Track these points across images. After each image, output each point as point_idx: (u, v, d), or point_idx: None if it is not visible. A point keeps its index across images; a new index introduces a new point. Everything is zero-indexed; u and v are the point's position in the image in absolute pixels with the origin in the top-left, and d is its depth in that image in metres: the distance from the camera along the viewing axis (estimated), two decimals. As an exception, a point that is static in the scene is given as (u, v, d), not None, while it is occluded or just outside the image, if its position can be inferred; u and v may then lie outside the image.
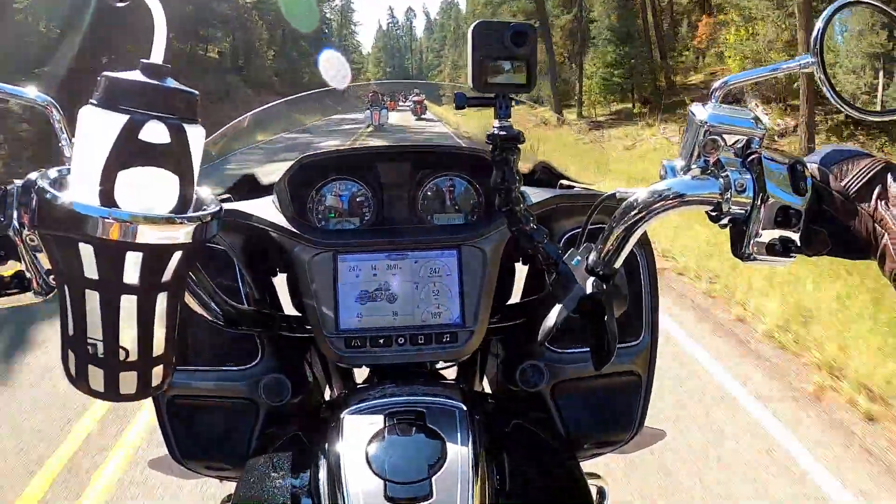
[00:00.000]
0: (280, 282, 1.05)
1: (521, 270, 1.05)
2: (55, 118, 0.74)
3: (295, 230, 0.89)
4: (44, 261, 0.63)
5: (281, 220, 0.90)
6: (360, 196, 0.97)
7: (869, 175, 0.62)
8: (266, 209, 0.93)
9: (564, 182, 1.09)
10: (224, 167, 1.21)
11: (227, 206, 0.93)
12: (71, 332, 0.54)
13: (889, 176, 0.61)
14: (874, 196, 0.61)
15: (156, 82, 0.50)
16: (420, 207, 0.98)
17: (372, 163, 0.98)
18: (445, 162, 0.99)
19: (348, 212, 0.97)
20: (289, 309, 1.02)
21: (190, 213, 0.52)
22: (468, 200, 0.99)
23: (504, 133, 0.76)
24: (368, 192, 0.97)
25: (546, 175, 1.12)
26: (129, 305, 0.52)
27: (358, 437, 0.72)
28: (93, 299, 0.52)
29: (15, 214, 0.61)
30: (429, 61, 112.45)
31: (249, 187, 1.06)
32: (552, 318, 0.74)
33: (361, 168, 0.97)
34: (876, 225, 0.60)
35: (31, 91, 0.73)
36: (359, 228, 0.97)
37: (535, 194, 0.95)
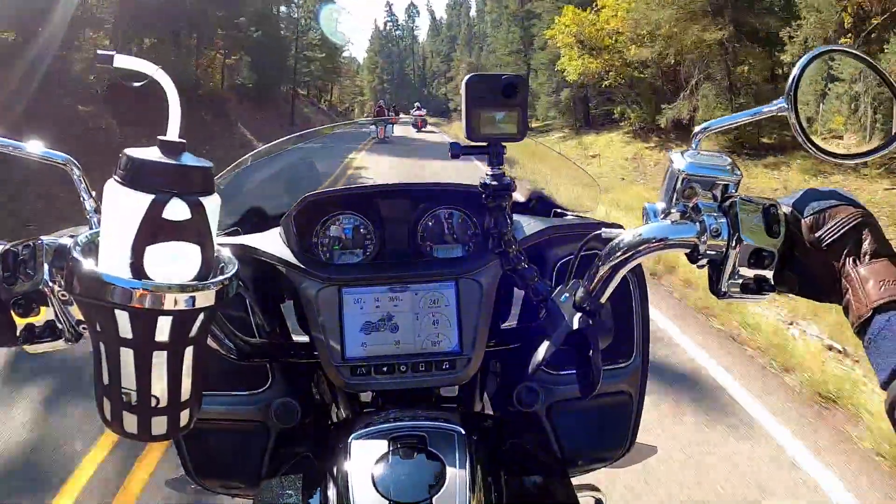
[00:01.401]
0: (288, 306, 1.09)
1: (519, 292, 1.10)
2: (75, 175, 0.78)
3: (302, 265, 0.93)
4: (73, 311, 0.68)
5: (288, 255, 0.95)
6: (362, 229, 1.02)
7: (843, 230, 0.64)
8: (273, 243, 0.97)
9: (558, 210, 1.14)
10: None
11: (235, 239, 0.98)
12: (106, 381, 0.59)
13: (864, 232, 0.63)
14: (844, 252, 0.63)
15: (174, 162, 0.55)
16: (420, 239, 1.03)
17: (373, 198, 1.02)
18: (443, 196, 1.03)
19: (352, 244, 1.02)
20: (296, 330, 1.07)
21: (213, 279, 0.57)
22: (465, 232, 1.04)
23: (496, 182, 0.81)
24: (371, 226, 1.02)
25: (541, 204, 1.17)
26: (159, 359, 0.57)
27: (364, 459, 0.77)
28: (127, 355, 0.57)
29: (46, 270, 0.66)
30: (434, 67, 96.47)
31: (257, 219, 1.11)
32: (541, 352, 0.79)
33: (364, 203, 1.02)
34: (843, 279, 0.62)
35: (43, 147, 0.77)
36: (362, 263, 1.02)
37: (529, 225, 1.00)
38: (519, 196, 1.17)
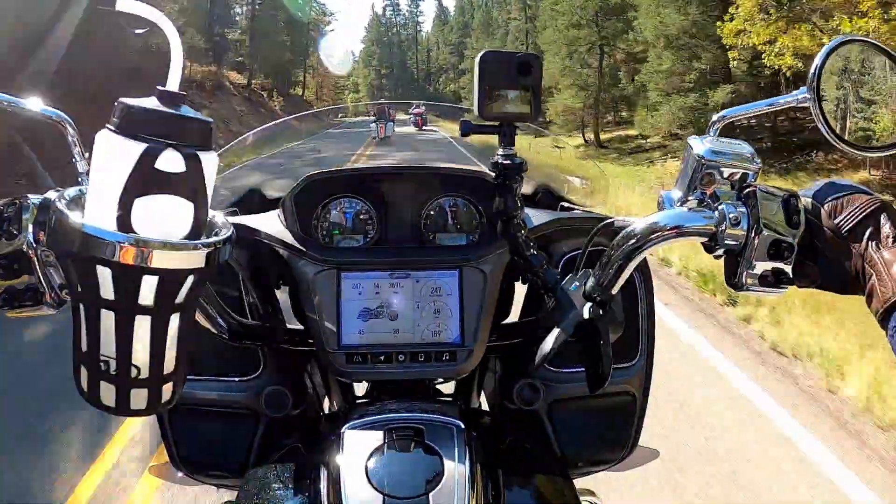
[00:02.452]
0: (283, 294, 1.06)
1: (521, 289, 1.07)
2: (69, 134, 0.76)
3: (300, 246, 0.91)
4: (56, 275, 0.65)
5: (286, 236, 0.92)
6: (364, 214, 0.99)
7: (862, 215, 0.63)
8: (272, 224, 0.94)
9: (565, 204, 1.11)
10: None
11: (233, 219, 0.95)
12: (84, 348, 0.55)
13: (882, 216, 0.62)
14: (865, 236, 0.62)
15: (172, 111, 0.52)
16: (423, 227, 1.00)
17: (377, 182, 0.99)
18: (449, 183, 1.01)
19: (352, 229, 0.99)
20: (290, 320, 1.04)
21: (204, 240, 0.54)
22: (470, 221, 1.01)
23: (508, 162, 0.78)
24: (373, 211, 0.99)
25: (547, 197, 1.14)
26: (142, 325, 0.54)
27: (358, 451, 0.73)
28: (108, 319, 0.53)
29: (30, 229, 0.63)
30: (441, 59, 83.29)
31: (255, 201, 1.08)
32: (549, 342, 0.75)
33: (366, 187, 0.99)
34: (865, 265, 0.62)
35: (42, 105, 0.75)
36: (363, 247, 0.99)
37: (536, 216, 0.97)
38: (526, 188, 1.14)
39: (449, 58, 79.73)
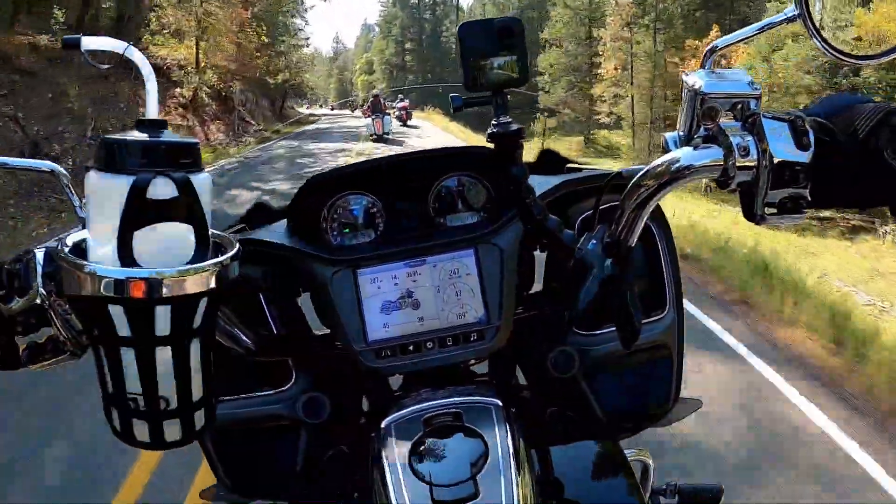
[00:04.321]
0: (304, 300, 1.06)
1: (541, 258, 1.06)
2: (63, 182, 0.76)
3: (312, 251, 0.90)
4: (74, 323, 0.65)
5: (297, 243, 0.91)
6: (372, 208, 0.98)
7: (874, 121, 0.61)
8: (281, 234, 0.94)
9: (571, 165, 1.09)
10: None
11: (242, 236, 0.95)
12: (111, 389, 0.55)
13: (894, 120, 0.61)
14: (882, 142, 0.60)
15: (154, 139, 0.51)
16: (432, 211, 0.99)
17: (379, 174, 0.98)
18: (450, 163, 0.99)
19: (362, 225, 0.98)
20: (315, 324, 1.04)
21: (209, 261, 0.53)
22: (479, 198, 0.99)
23: (504, 130, 0.77)
24: (379, 204, 0.98)
25: (552, 161, 1.13)
26: (163, 356, 0.54)
27: (400, 445, 0.73)
28: (128, 355, 0.53)
29: (40, 282, 0.63)
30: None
31: (262, 215, 1.08)
32: (577, 303, 0.75)
33: (369, 181, 0.98)
34: (885, 172, 0.60)
35: (33, 160, 0.75)
36: (374, 240, 0.98)
37: (544, 182, 0.95)
38: (529, 156, 1.12)
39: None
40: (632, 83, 27.17)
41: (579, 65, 32.59)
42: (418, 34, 60.74)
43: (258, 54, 27.31)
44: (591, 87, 30.85)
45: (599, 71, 29.71)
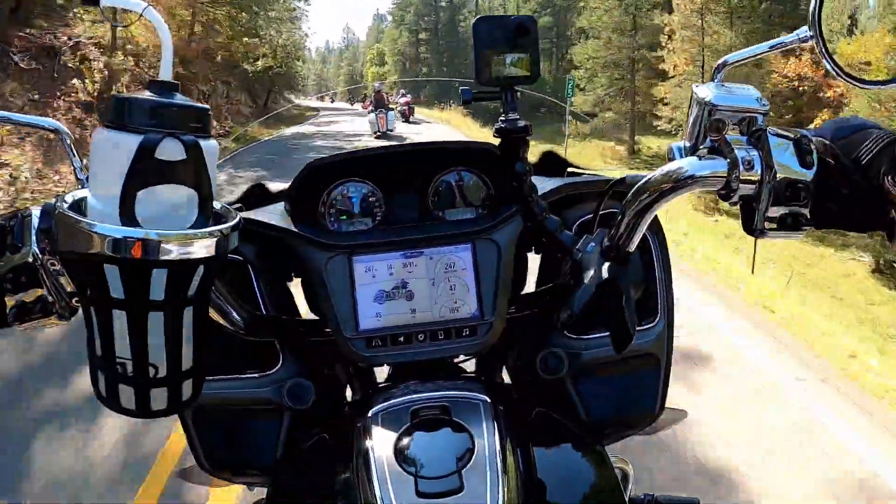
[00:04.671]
0: (295, 286, 1.06)
1: (534, 259, 1.06)
2: (65, 142, 0.75)
3: (309, 235, 0.90)
4: (65, 284, 0.64)
5: (294, 226, 0.91)
6: (370, 196, 0.98)
7: (877, 149, 0.62)
8: (279, 216, 0.93)
9: (572, 169, 1.09)
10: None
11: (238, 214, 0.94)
12: (99, 352, 0.55)
13: None
14: (882, 170, 0.61)
15: (166, 100, 0.51)
16: (431, 204, 0.99)
17: (380, 163, 0.98)
18: (452, 157, 0.99)
19: (360, 213, 0.98)
20: (306, 313, 1.03)
21: (211, 228, 0.53)
22: (478, 194, 0.99)
23: (512, 126, 0.77)
24: (378, 192, 0.98)
25: (553, 164, 1.13)
26: (156, 322, 0.53)
27: (385, 435, 0.73)
28: (120, 319, 0.53)
29: (34, 240, 0.62)
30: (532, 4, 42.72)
31: (259, 196, 1.07)
32: (572, 305, 0.75)
33: (369, 169, 0.98)
34: (885, 199, 0.61)
35: (37, 117, 0.74)
36: (372, 229, 0.98)
37: (544, 183, 0.95)
38: (531, 157, 1.13)
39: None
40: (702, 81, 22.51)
41: (622, 59, 27.20)
42: (434, 23, 54.57)
43: (230, 32, 21.77)
44: (633, 83, 26.56)
45: (664, 66, 23.62)
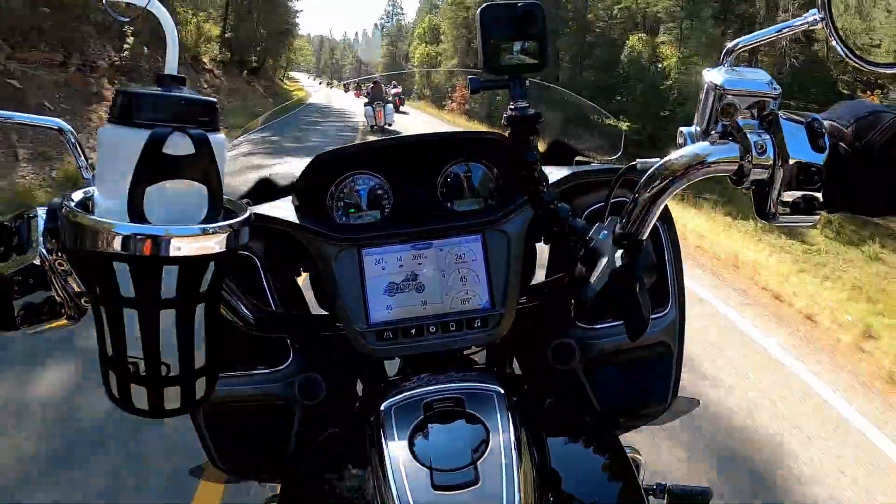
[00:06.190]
0: (304, 281, 1.05)
1: (543, 250, 1.05)
2: (70, 140, 0.75)
3: (318, 228, 0.89)
4: (73, 284, 0.63)
5: (302, 220, 0.90)
6: (378, 189, 0.97)
7: (892, 132, 0.61)
8: (287, 210, 0.93)
9: (580, 158, 1.09)
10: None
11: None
12: (110, 352, 0.54)
13: None
14: (895, 153, 0.60)
15: (174, 94, 0.50)
16: (440, 195, 0.98)
17: (387, 155, 0.97)
18: (461, 148, 0.98)
19: (368, 205, 0.97)
20: (315, 308, 1.03)
21: (222, 222, 0.52)
22: (487, 185, 0.98)
23: (521, 114, 0.76)
24: (387, 185, 0.97)
25: (562, 152, 1.12)
26: (167, 320, 0.53)
27: (399, 428, 0.72)
28: (131, 318, 0.52)
29: (41, 241, 0.62)
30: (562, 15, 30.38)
31: (267, 191, 1.07)
32: (586, 293, 0.74)
33: (377, 161, 0.97)
34: None
35: (40, 117, 0.74)
36: (380, 221, 0.97)
37: (554, 172, 0.94)
38: (539, 146, 1.12)
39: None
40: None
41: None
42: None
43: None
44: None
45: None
